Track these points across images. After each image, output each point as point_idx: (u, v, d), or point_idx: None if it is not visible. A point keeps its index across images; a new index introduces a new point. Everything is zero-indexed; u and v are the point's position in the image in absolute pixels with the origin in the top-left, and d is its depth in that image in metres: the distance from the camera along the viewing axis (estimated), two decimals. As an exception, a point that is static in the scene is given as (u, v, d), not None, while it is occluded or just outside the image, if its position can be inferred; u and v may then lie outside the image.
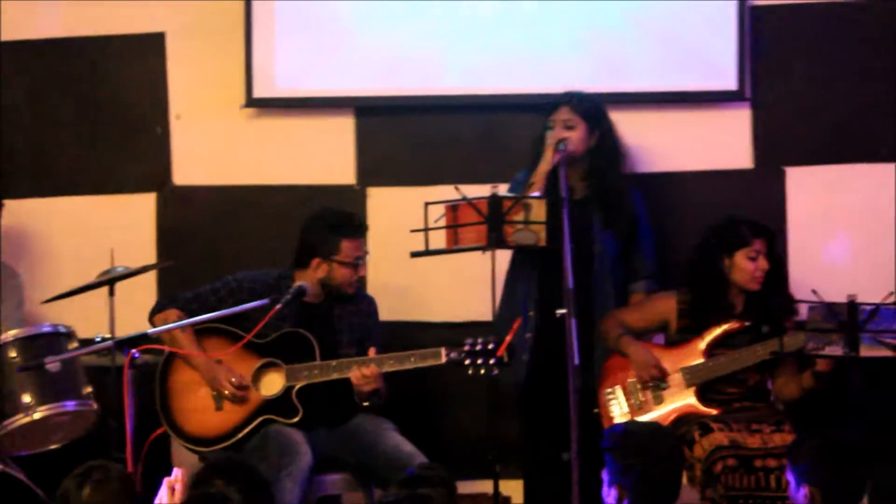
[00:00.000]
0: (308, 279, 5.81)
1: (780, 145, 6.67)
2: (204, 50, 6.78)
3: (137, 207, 6.87)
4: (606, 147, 6.17)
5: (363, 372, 5.67)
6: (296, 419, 5.75)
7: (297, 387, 5.76)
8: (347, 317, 5.96)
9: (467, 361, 5.63)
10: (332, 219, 5.89)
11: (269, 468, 5.42)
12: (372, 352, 5.73)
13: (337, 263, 5.83)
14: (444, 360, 5.68)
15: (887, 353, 5.45)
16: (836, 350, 5.47)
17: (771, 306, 5.94)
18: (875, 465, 4.08)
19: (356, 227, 5.87)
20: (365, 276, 5.91)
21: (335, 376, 5.75)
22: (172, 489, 4.20)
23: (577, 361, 5.44)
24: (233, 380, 5.77)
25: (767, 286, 5.94)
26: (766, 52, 6.59)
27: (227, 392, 5.78)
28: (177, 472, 4.23)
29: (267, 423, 5.76)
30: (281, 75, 6.70)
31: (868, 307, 5.40)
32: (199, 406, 5.85)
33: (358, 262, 5.84)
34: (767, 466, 5.61)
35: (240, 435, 5.79)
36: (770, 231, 6.02)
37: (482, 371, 5.61)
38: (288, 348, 5.81)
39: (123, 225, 6.83)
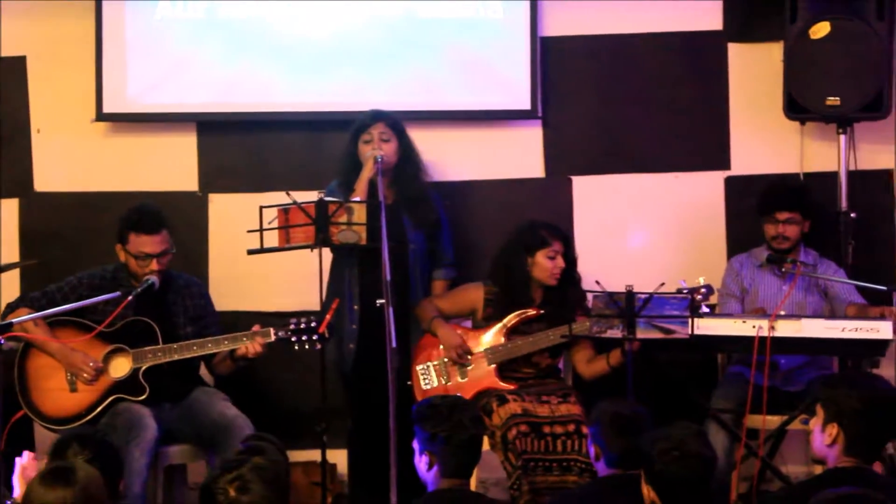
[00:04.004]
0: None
1: (568, 157, 6.65)
2: (61, 71, 6.62)
3: (2, 212, 6.66)
4: (411, 159, 6.12)
5: (253, 346, 5.55)
6: (143, 397, 5.60)
7: (143, 368, 5.61)
8: (181, 301, 5.83)
9: (293, 339, 5.56)
10: (132, 214, 5.74)
11: (119, 440, 5.21)
12: (257, 327, 5.61)
13: (127, 253, 5.69)
14: (273, 338, 5.58)
15: (659, 335, 5.42)
16: (616, 333, 5.44)
17: (564, 298, 5.91)
18: (652, 434, 4.04)
19: (143, 223, 5.68)
20: (160, 270, 5.67)
21: (176, 357, 5.61)
22: (24, 470, 4.05)
23: (394, 344, 5.34)
24: (91, 363, 5.58)
25: (562, 281, 5.91)
26: (555, 77, 6.57)
27: (85, 375, 5.58)
28: (27, 455, 4.06)
29: (117, 401, 5.59)
30: (131, 92, 6.53)
31: (643, 296, 5.39)
32: (55, 388, 5.63)
33: (148, 256, 5.66)
34: (555, 432, 5.58)
35: (93, 413, 5.59)
36: (566, 234, 6.03)
37: (307, 346, 5.56)
38: (133, 334, 5.64)
39: (-11, 228, 6.64)
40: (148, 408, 5.57)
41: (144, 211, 5.75)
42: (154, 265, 5.66)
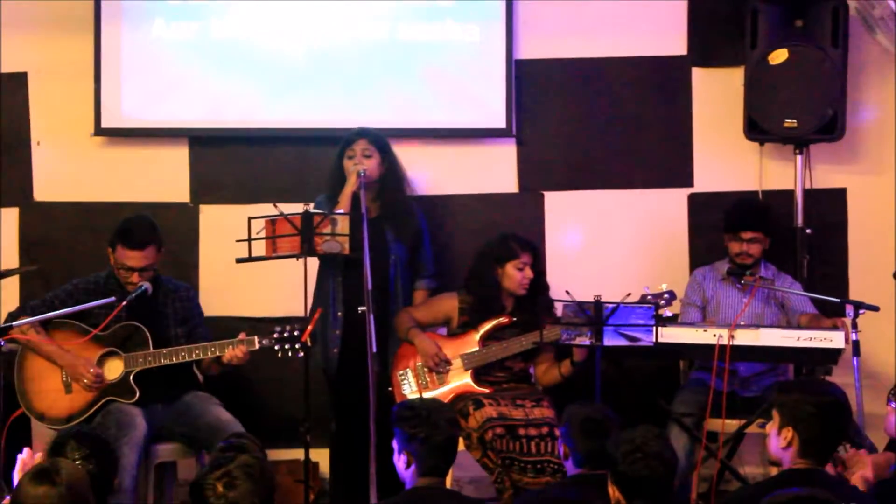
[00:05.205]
0: None
1: (540, 174, 6.65)
2: (60, 86, 6.59)
3: (2, 220, 6.63)
4: (393, 174, 6.11)
5: (235, 353, 5.52)
6: (133, 399, 5.57)
7: (135, 371, 5.58)
8: (171, 304, 5.80)
9: (276, 347, 5.54)
10: (124, 226, 5.71)
11: (110, 438, 5.15)
12: (243, 335, 5.58)
13: (115, 259, 5.67)
14: (257, 346, 5.56)
15: (625, 342, 5.43)
16: (585, 340, 5.45)
17: (534, 306, 5.91)
18: (617, 437, 4.05)
19: (130, 238, 5.66)
20: (139, 282, 5.64)
21: (165, 362, 5.58)
22: (25, 465, 4.05)
23: (374, 349, 5.42)
24: (92, 370, 5.55)
25: (532, 290, 5.91)
26: (529, 98, 6.57)
27: (86, 381, 5.55)
28: (27, 451, 4.08)
29: (109, 402, 5.58)
30: (127, 108, 6.51)
31: (610, 305, 5.39)
32: (52, 389, 5.61)
33: (130, 270, 5.64)
34: (529, 434, 5.57)
35: (87, 414, 5.57)
36: (535, 246, 6.03)
37: (290, 354, 5.54)
38: (126, 338, 5.62)
39: (-9, 235, 6.62)
40: (139, 408, 5.55)
41: (135, 225, 5.71)
42: (135, 278, 5.64)
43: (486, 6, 6.48)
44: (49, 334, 5.61)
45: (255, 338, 5.56)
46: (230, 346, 5.55)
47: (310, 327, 5.48)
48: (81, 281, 5.78)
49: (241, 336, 5.58)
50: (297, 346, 5.52)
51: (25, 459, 4.07)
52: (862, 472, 4.38)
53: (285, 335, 5.53)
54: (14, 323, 5.42)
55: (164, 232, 5.81)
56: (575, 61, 6.60)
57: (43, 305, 5.66)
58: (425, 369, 5.88)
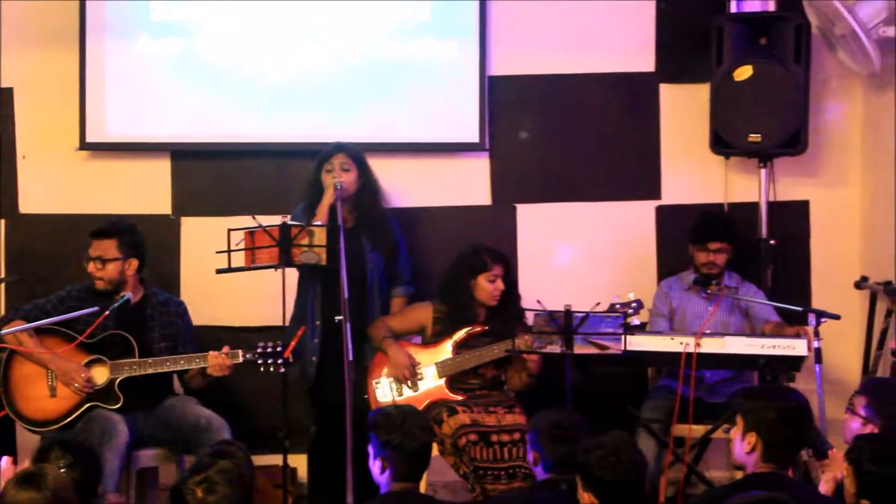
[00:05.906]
0: None
1: (512, 187, 6.67)
2: (45, 102, 6.58)
3: (-12, 232, 6.65)
4: (370, 187, 6.11)
5: (220, 362, 5.53)
6: (117, 406, 5.57)
7: (119, 379, 5.58)
8: (158, 317, 5.80)
9: (259, 361, 5.55)
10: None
11: (93, 444, 5.14)
12: (226, 349, 5.57)
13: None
14: (240, 359, 5.57)
15: (594, 350, 5.45)
16: (555, 348, 5.45)
17: (506, 315, 5.91)
18: (587, 444, 4.07)
19: (97, 229, 5.75)
20: (102, 278, 5.69)
21: (150, 371, 5.58)
22: (4, 474, 4.10)
23: (351, 357, 5.41)
24: (83, 375, 5.55)
25: (504, 301, 5.93)
26: (501, 113, 6.60)
27: (77, 385, 5.54)
28: (5, 460, 4.09)
29: (93, 408, 5.57)
30: (111, 123, 6.50)
31: (580, 314, 5.41)
32: (37, 394, 5.60)
33: (87, 258, 5.69)
34: (502, 441, 5.57)
35: (70, 418, 5.56)
36: (506, 258, 6.03)
37: (272, 369, 5.55)
38: (112, 346, 5.62)
39: (-23, 246, 6.60)
40: (121, 415, 5.54)
41: (110, 220, 5.80)
42: (91, 267, 5.68)
43: (461, 24, 6.50)
44: (40, 343, 5.59)
45: (240, 352, 5.57)
46: (214, 354, 5.54)
47: (292, 343, 5.49)
48: (75, 288, 5.78)
49: (225, 350, 5.59)
50: (279, 361, 5.52)
51: (4, 468, 4.06)
52: (835, 473, 4.41)
53: (268, 350, 5.53)
54: (7, 330, 5.47)
55: (146, 243, 5.83)
56: (547, 77, 6.62)
57: (35, 309, 5.67)
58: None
